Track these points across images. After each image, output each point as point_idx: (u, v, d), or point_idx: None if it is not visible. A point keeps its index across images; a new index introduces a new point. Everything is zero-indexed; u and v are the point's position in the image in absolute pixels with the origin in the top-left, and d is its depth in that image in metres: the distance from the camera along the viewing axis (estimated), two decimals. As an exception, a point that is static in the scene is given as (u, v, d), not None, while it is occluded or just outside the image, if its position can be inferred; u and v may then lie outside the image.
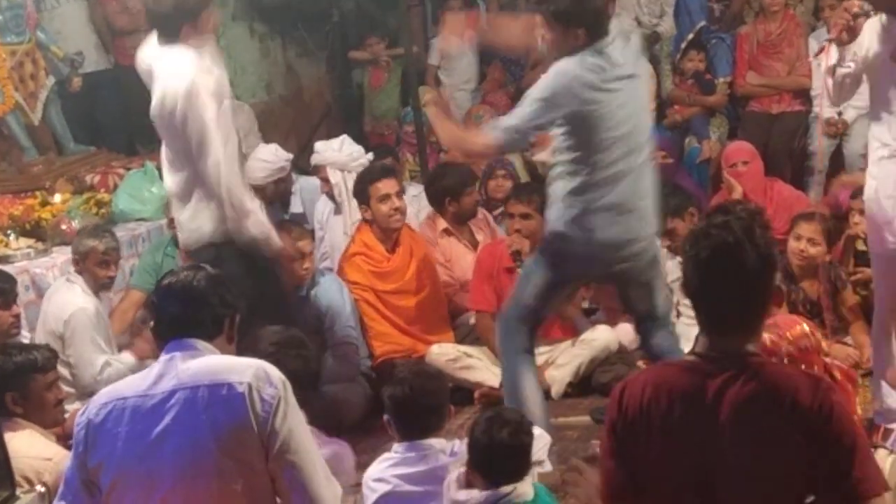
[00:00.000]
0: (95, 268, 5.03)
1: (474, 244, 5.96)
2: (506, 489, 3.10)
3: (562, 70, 3.98)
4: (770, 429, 2.25)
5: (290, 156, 6.33)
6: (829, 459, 2.25)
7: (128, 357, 5.01)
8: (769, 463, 2.25)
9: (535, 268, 4.32)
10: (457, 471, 3.22)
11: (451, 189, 5.91)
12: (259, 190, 5.11)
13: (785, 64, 7.21)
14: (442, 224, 5.97)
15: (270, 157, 6.12)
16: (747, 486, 2.27)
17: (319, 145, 6.32)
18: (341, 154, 6.15)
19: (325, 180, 6.20)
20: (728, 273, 2.30)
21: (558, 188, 4.14)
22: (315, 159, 6.27)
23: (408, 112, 7.61)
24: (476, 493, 3.12)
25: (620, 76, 4.01)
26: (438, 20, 8.50)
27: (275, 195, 6.14)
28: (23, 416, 3.82)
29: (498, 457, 3.15)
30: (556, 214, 4.17)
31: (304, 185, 6.71)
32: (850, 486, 2.25)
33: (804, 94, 7.17)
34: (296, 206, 6.66)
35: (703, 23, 7.58)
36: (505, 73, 8.28)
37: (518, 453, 3.19)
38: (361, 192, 5.51)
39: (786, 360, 3.40)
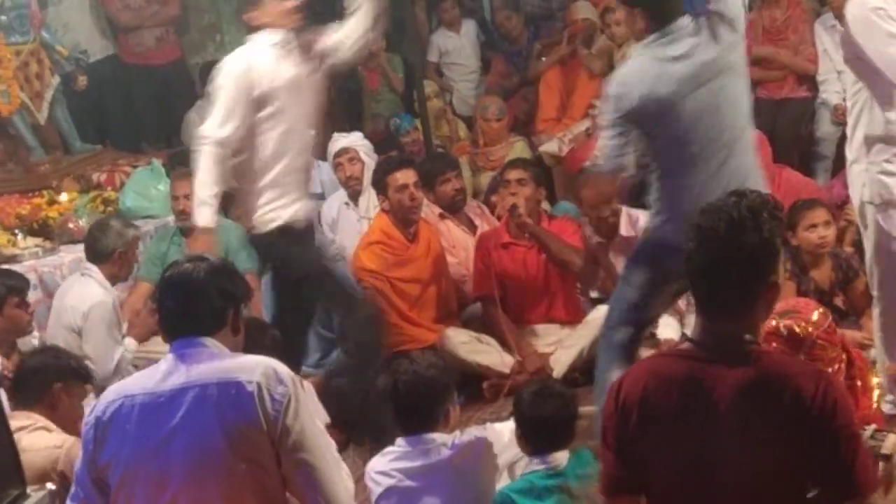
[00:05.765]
0: (134, 255, 5.14)
1: (473, 230, 5.95)
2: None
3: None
4: (771, 419, 2.23)
5: None
6: (830, 453, 2.23)
7: (130, 343, 5.03)
8: (769, 453, 2.23)
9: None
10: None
11: (423, 178, 5.74)
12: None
13: (790, 50, 7.14)
14: (437, 208, 5.96)
15: None
16: (747, 475, 2.25)
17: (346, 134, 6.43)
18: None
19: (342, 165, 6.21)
20: (728, 249, 2.29)
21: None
22: (343, 143, 6.29)
23: (399, 124, 7.40)
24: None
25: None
26: (437, 17, 8.49)
27: None
28: (55, 414, 3.77)
29: (545, 429, 3.33)
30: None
31: (327, 169, 6.56)
32: (852, 481, 2.24)
33: (810, 80, 7.13)
34: (315, 187, 6.47)
35: (705, 12, 7.50)
36: (508, 65, 8.24)
37: (564, 425, 3.37)
38: (379, 181, 5.51)
39: (817, 344, 3.37)
